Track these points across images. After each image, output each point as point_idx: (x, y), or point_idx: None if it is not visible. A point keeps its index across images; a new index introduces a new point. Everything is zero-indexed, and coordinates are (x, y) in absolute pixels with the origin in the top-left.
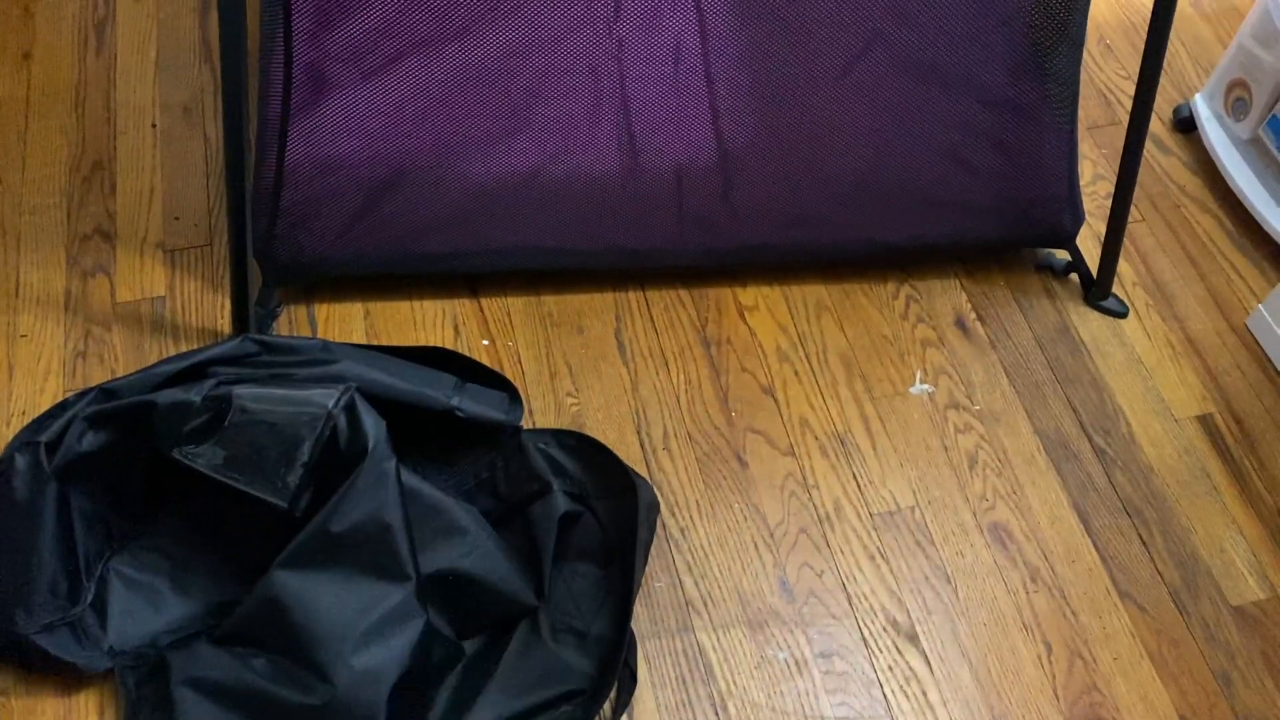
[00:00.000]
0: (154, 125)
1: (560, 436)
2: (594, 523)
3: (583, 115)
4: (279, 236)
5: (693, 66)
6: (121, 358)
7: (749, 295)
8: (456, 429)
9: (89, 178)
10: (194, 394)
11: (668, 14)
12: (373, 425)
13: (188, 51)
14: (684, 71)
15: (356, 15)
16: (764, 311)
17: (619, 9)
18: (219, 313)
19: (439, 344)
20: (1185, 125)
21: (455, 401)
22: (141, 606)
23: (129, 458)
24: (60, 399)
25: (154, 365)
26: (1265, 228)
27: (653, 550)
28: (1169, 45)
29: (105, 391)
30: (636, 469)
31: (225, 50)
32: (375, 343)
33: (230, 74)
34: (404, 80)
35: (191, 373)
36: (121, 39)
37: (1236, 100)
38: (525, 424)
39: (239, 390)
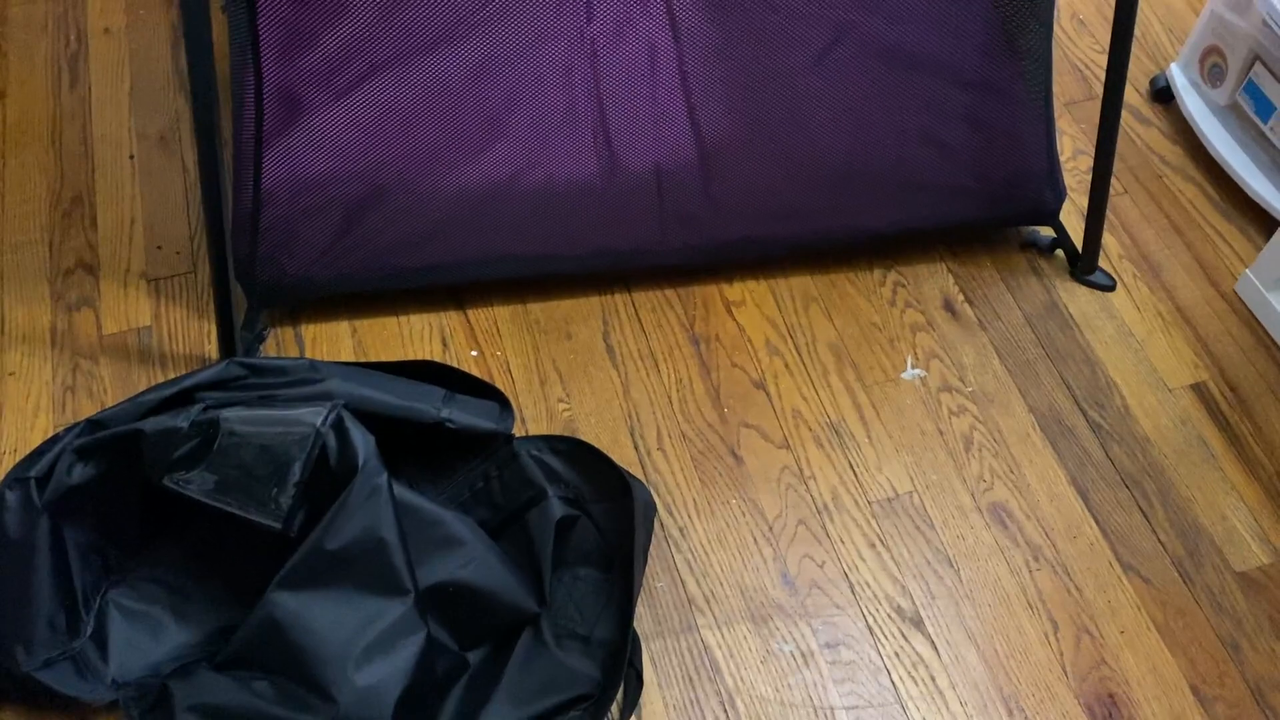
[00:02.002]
0: (131, 156)
1: (553, 442)
2: (591, 527)
3: (559, 120)
4: (261, 259)
5: (667, 65)
6: (110, 389)
7: (735, 291)
8: (449, 441)
9: (69, 212)
10: (181, 420)
11: (639, 16)
12: (362, 441)
13: (161, 81)
14: (658, 71)
15: (326, 36)
16: (751, 306)
17: (591, 13)
18: (206, 339)
19: (427, 358)
20: (1163, 95)
21: (445, 413)
22: (142, 636)
23: (120, 488)
24: (51, 434)
25: (141, 394)
26: (1248, 192)
27: (652, 550)
28: (1142, 17)
29: (93, 423)
30: (632, 471)
31: (194, 77)
32: (364, 360)
33: (201, 101)
34: (377, 97)
35: (179, 399)
36: (95, 72)
37: (1212, 67)
38: (518, 432)
39: (226, 413)
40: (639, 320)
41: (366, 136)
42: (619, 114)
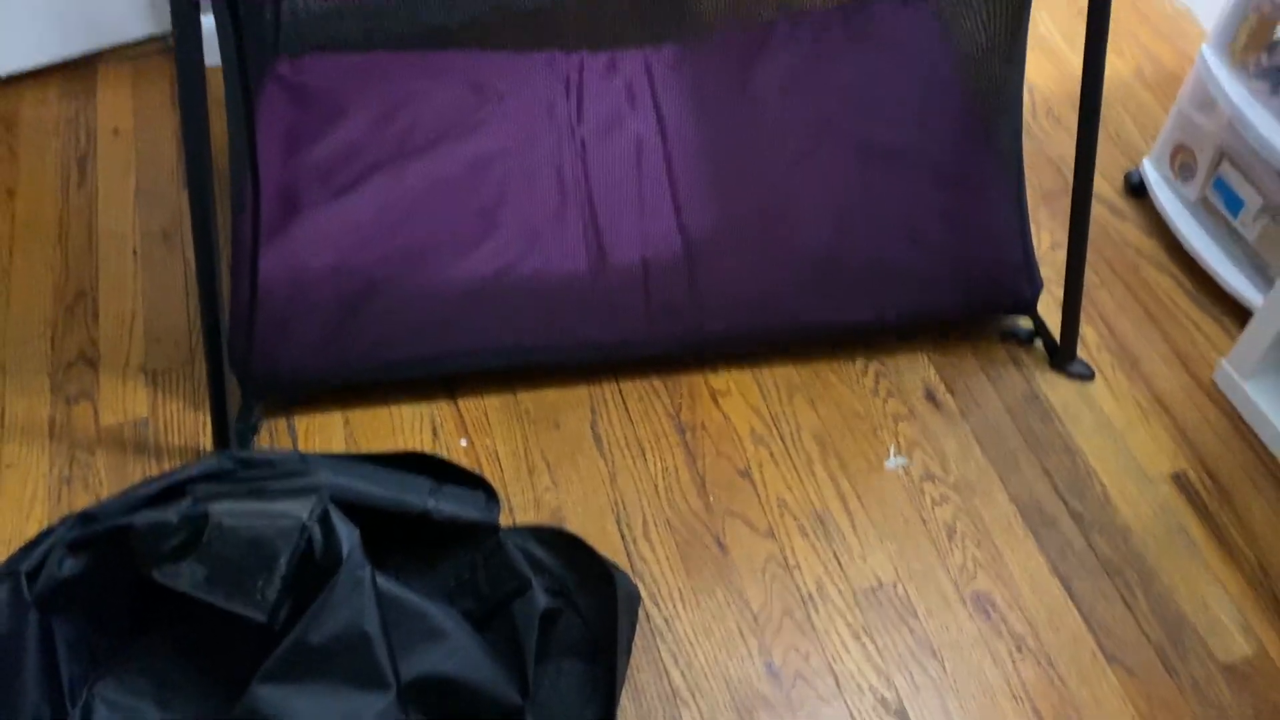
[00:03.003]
0: (135, 251)
1: (538, 533)
2: (576, 618)
3: (550, 216)
4: (256, 352)
5: (654, 163)
6: (106, 481)
7: (721, 380)
8: (435, 531)
9: (72, 306)
10: (171, 513)
11: (628, 116)
12: (347, 534)
13: (166, 178)
14: (645, 167)
15: (324, 137)
16: (736, 395)
17: (581, 113)
18: (201, 430)
19: (418, 447)
20: (1137, 190)
21: (432, 504)
22: None
23: (110, 581)
24: (46, 526)
25: (133, 488)
26: (1221, 285)
27: (637, 642)
28: (1115, 114)
29: (85, 517)
30: (617, 560)
31: (191, 175)
32: (355, 450)
33: (198, 198)
34: (373, 195)
35: (170, 493)
36: (102, 171)
37: (1182, 164)
38: (505, 521)
39: (215, 506)
40: (626, 409)
41: (362, 233)
42: (608, 210)
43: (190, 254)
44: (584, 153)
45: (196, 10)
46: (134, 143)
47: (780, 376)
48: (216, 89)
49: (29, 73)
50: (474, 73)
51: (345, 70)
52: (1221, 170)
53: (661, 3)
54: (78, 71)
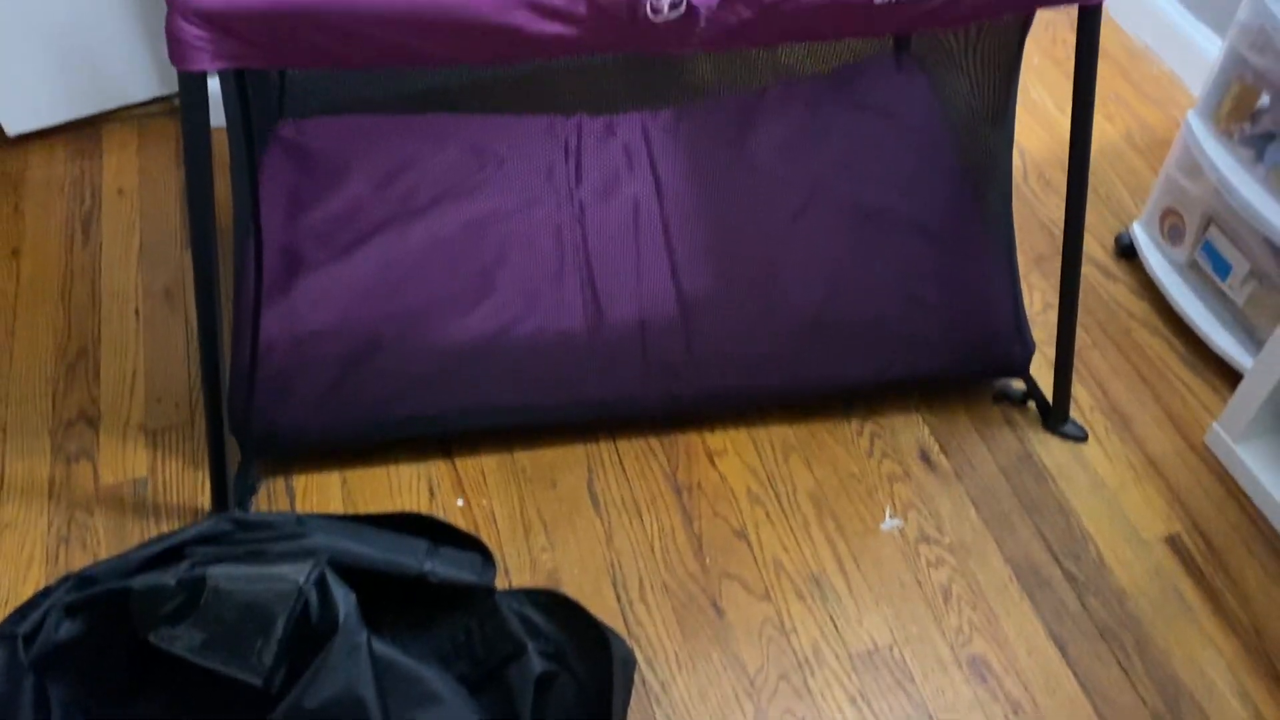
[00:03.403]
0: (137, 311)
1: (534, 596)
2: (571, 682)
3: (548, 275)
4: (255, 412)
5: (650, 223)
6: (104, 540)
7: (717, 439)
8: (431, 593)
9: (74, 365)
10: (169, 577)
11: (625, 178)
12: (343, 598)
13: (169, 238)
14: (642, 228)
15: (327, 198)
16: (733, 455)
17: (580, 176)
18: (200, 489)
19: (415, 507)
20: (1127, 252)
21: (428, 566)
22: None
23: (107, 644)
24: (43, 586)
25: (132, 550)
26: (1212, 347)
27: (633, 706)
28: (1106, 177)
29: (83, 579)
30: (613, 623)
31: (195, 237)
32: (353, 510)
33: (201, 259)
34: (374, 255)
35: (168, 555)
36: (106, 230)
37: (1171, 227)
38: (501, 583)
39: (213, 570)
40: (623, 468)
41: (363, 293)
42: (605, 270)
43: (192, 313)
44: (582, 214)
45: (204, 78)
46: (138, 202)
47: (776, 436)
48: (220, 149)
49: (37, 132)
50: (475, 136)
51: (347, 132)
52: (1209, 234)
53: (658, 69)
54: (84, 131)
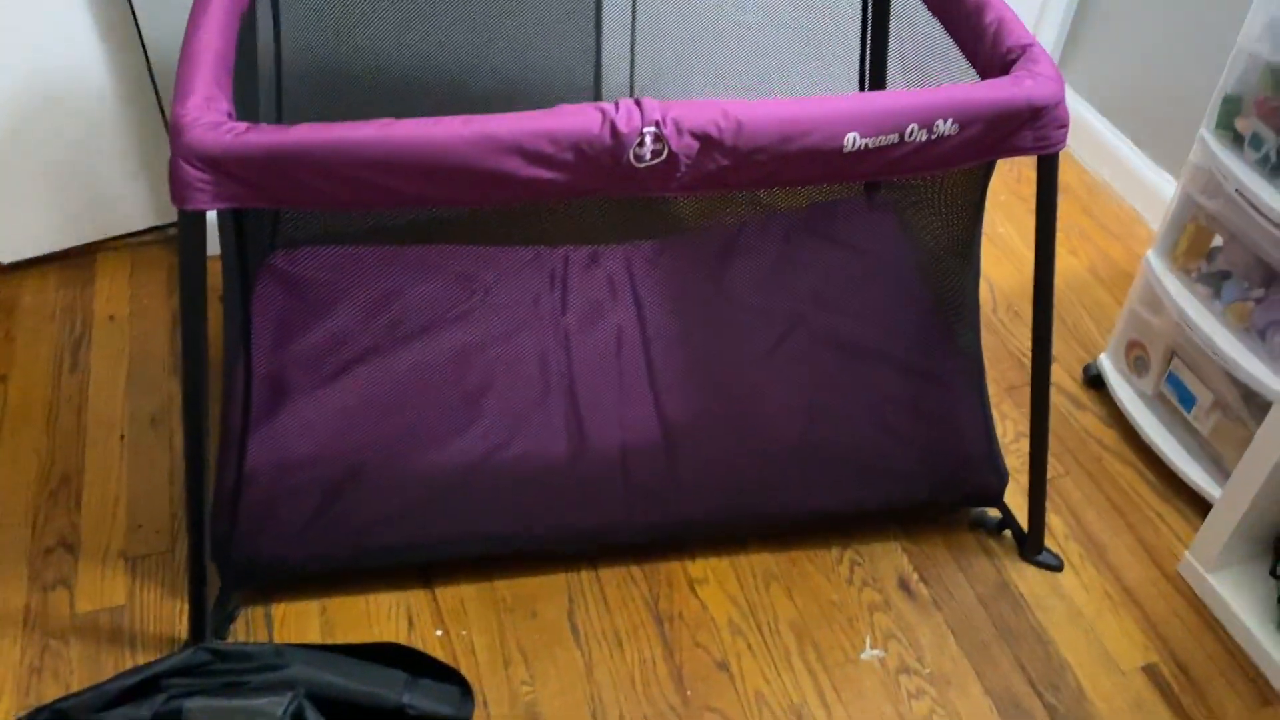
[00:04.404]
0: (122, 437)
1: None
2: None
3: (533, 403)
4: (237, 539)
5: (633, 351)
6: (78, 671)
7: (698, 568)
8: None
9: (56, 491)
10: (145, 710)
11: (609, 307)
12: None
13: (158, 365)
14: (625, 356)
15: (316, 327)
16: (714, 583)
17: (565, 304)
18: (177, 618)
19: (393, 637)
20: (1096, 382)
21: (406, 699)
22: None
23: None
24: (12, 718)
25: (107, 681)
26: (1181, 476)
27: None
28: (1074, 310)
29: (55, 712)
30: None
31: (187, 366)
32: (331, 640)
33: (191, 388)
34: (360, 383)
35: (144, 686)
36: (95, 357)
37: (1136, 359)
38: (480, 716)
39: (190, 704)
40: (604, 598)
41: (347, 420)
42: (588, 397)
43: (176, 440)
44: (567, 342)
45: (203, 217)
46: (128, 329)
47: (757, 564)
48: (212, 278)
49: (31, 260)
50: (462, 265)
51: (338, 262)
52: (1174, 366)
53: (641, 204)
54: (78, 259)
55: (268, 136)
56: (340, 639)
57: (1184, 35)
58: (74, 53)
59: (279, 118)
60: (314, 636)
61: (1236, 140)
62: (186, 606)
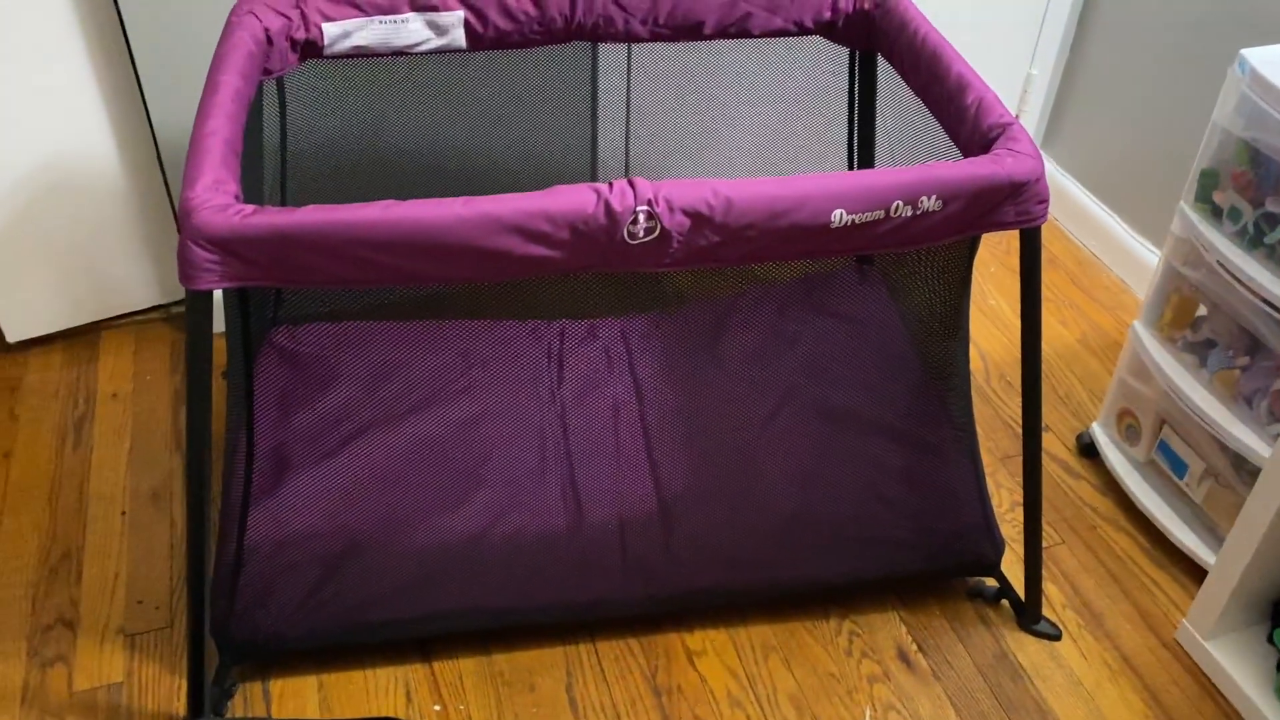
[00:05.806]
0: (123, 513)
1: None
2: None
3: (530, 476)
4: (237, 615)
5: (630, 424)
6: None
7: (696, 640)
8: None
9: (56, 568)
10: None
11: (606, 380)
12: None
13: (160, 441)
14: (622, 429)
15: (317, 403)
16: (712, 655)
17: (562, 378)
18: (175, 695)
19: (391, 712)
20: (1089, 451)
21: None
22: None
23: None
24: None
25: None
26: (1176, 543)
27: None
28: (1065, 379)
29: None
30: None
31: (191, 443)
32: (329, 715)
33: (194, 464)
34: (360, 457)
35: None
36: (98, 433)
37: (1128, 427)
38: None
39: None
40: (602, 671)
41: (347, 494)
42: (585, 470)
43: (177, 516)
44: (564, 415)
45: (210, 297)
46: (131, 406)
47: (756, 636)
48: (216, 354)
49: (36, 339)
50: (461, 340)
51: (338, 338)
52: (1164, 434)
53: (637, 278)
54: (83, 337)
55: (274, 218)
56: (338, 714)
57: (1163, 111)
58: (86, 141)
59: (284, 200)
60: (312, 712)
61: (1215, 213)
62: (185, 683)
